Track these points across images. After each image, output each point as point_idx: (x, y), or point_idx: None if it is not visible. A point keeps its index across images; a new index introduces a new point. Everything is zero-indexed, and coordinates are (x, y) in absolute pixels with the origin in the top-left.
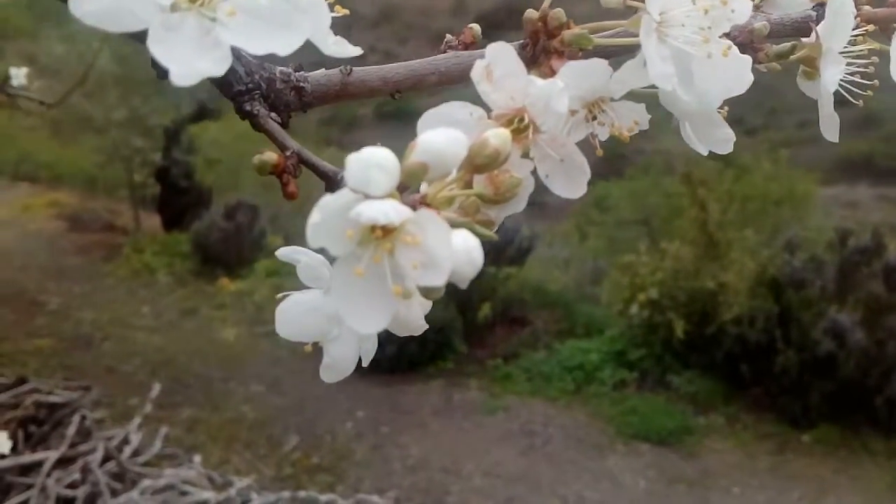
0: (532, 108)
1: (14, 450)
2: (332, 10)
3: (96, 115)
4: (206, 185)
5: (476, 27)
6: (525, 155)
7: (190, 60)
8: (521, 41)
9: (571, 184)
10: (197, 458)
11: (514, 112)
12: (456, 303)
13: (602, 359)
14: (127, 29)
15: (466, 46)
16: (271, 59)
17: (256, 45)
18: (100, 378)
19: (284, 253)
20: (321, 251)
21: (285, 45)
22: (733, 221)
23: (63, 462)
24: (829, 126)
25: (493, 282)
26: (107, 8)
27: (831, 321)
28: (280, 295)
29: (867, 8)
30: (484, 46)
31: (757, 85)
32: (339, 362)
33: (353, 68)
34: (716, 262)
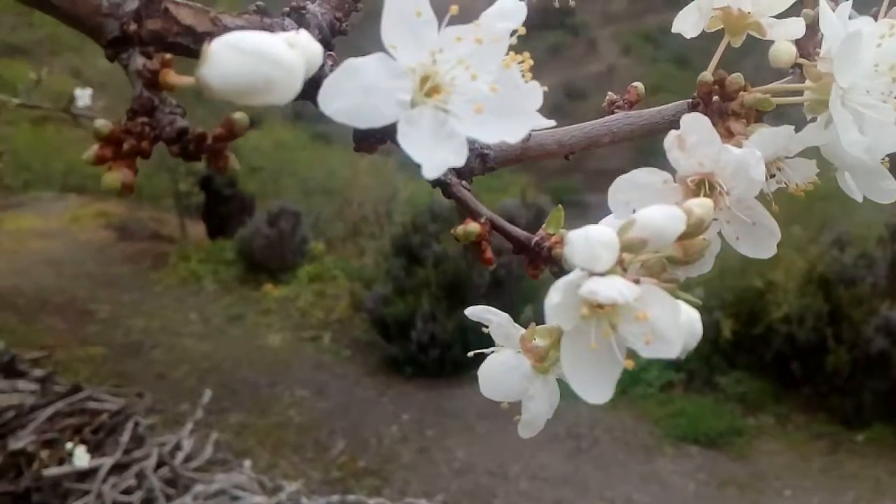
0: (721, 172)
1: (70, 455)
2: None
3: None
4: (248, 192)
5: (640, 87)
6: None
7: (432, 152)
8: (691, 100)
9: (762, 245)
10: (247, 463)
11: (702, 176)
12: (498, 306)
13: (648, 360)
14: (374, 124)
15: (632, 105)
16: None
17: (489, 135)
18: (150, 384)
19: (474, 313)
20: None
21: (516, 133)
22: (779, 218)
23: (118, 468)
24: None
25: (535, 283)
26: (355, 105)
27: (883, 318)
28: (471, 353)
29: None
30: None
31: None
32: (536, 418)
33: (531, 133)
34: (763, 260)
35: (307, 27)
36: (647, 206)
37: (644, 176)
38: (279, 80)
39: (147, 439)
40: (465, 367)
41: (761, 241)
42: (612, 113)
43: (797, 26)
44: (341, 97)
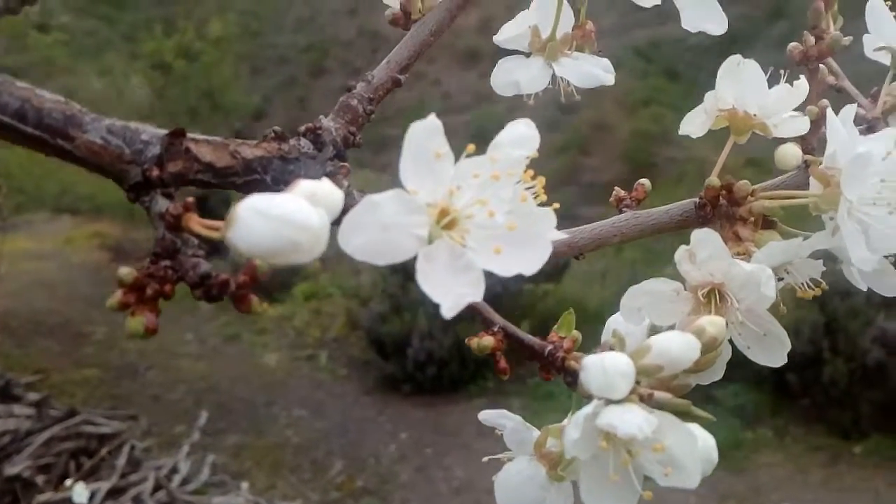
0: (731, 283)
1: (65, 479)
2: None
3: None
4: None
5: (647, 183)
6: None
7: (450, 287)
8: (699, 200)
9: (772, 354)
10: (244, 485)
11: (712, 286)
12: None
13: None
14: (393, 261)
15: (639, 201)
16: None
17: (506, 268)
18: (146, 406)
19: (488, 418)
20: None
21: (533, 264)
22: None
23: (115, 492)
24: None
25: (532, 298)
26: (374, 242)
27: (880, 329)
28: (486, 459)
29: None
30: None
31: None
32: None
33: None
34: None
35: (322, 146)
36: (657, 314)
37: (656, 285)
38: (305, 243)
39: (143, 463)
40: (462, 383)
41: (772, 350)
42: (621, 211)
43: (802, 124)
44: (360, 233)
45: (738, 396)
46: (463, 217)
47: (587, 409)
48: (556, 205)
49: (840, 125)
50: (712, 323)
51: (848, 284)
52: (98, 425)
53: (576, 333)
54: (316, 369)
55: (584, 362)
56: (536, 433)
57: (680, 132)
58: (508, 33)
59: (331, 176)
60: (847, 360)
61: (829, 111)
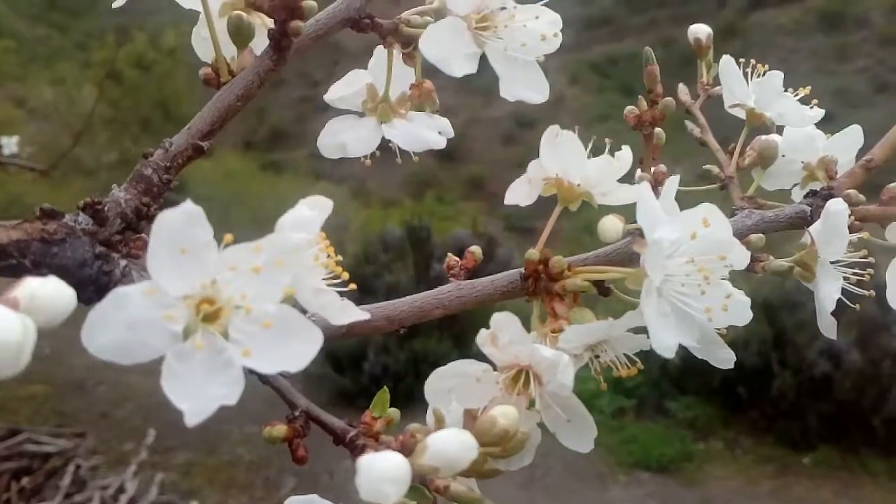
0: (537, 366)
1: (7, 503)
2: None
3: (86, 157)
4: None
5: (477, 250)
6: (531, 404)
7: (202, 388)
8: (524, 272)
9: (579, 439)
10: None
11: (520, 367)
12: (451, 335)
13: (599, 386)
14: (142, 359)
15: (468, 271)
16: None
17: (268, 365)
18: (94, 424)
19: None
20: None
21: (300, 359)
22: None
23: None
24: (827, 328)
25: (489, 311)
26: (121, 340)
27: (826, 342)
28: None
29: (863, 208)
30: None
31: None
32: None
33: (360, 307)
34: None
35: (104, 221)
36: (466, 397)
37: (463, 366)
38: (2, 357)
39: (89, 482)
40: (418, 398)
41: (579, 435)
42: (447, 281)
43: (629, 194)
44: (105, 332)
45: (690, 409)
46: (230, 308)
47: None
48: (353, 286)
49: (649, 202)
50: (504, 415)
51: (795, 298)
52: (42, 444)
53: (391, 413)
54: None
55: (358, 462)
56: None
57: (506, 202)
58: (337, 93)
59: (100, 257)
60: (795, 372)
61: (643, 187)
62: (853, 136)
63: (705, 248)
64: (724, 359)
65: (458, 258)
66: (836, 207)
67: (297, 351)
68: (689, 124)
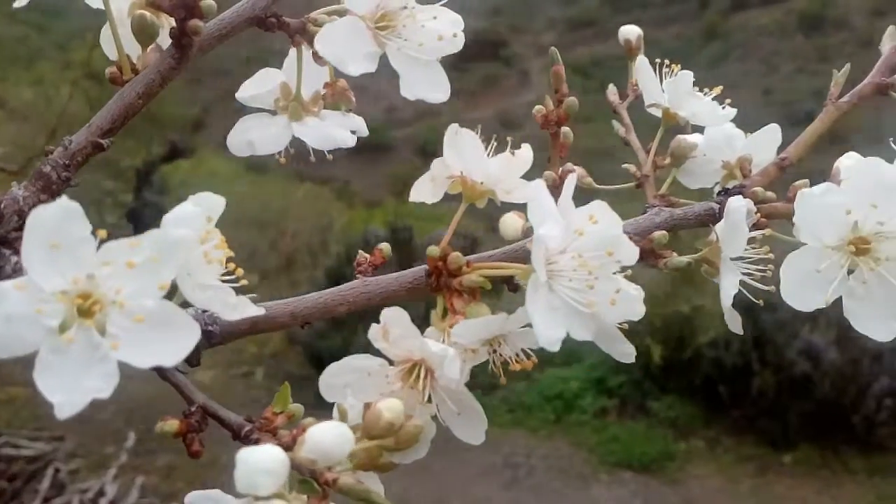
0: (429, 360)
1: None
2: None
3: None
4: None
5: (386, 247)
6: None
7: (77, 382)
8: (427, 268)
9: (471, 430)
10: None
11: (414, 361)
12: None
13: (582, 387)
14: (16, 353)
15: (376, 267)
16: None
17: (142, 359)
18: (73, 427)
19: (193, 499)
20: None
21: (176, 353)
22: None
23: None
24: (732, 321)
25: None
26: None
27: (805, 342)
28: None
29: (769, 205)
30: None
31: None
32: None
33: (259, 304)
34: (690, 287)
35: (0, 219)
36: (363, 391)
37: (360, 361)
38: None
39: (68, 486)
40: None
41: (470, 427)
42: (354, 277)
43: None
44: None
45: (671, 408)
46: (107, 303)
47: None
48: (245, 281)
49: (540, 199)
50: (389, 408)
51: (775, 298)
52: (20, 447)
53: (293, 408)
54: (251, 387)
55: (237, 455)
56: None
57: (410, 199)
58: (248, 91)
59: None
60: (775, 371)
61: (538, 185)
62: (772, 134)
63: (593, 244)
64: (624, 353)
65: (367, 255)
66: (736, 205)
67: (172, 345)
68: (615, 124)
